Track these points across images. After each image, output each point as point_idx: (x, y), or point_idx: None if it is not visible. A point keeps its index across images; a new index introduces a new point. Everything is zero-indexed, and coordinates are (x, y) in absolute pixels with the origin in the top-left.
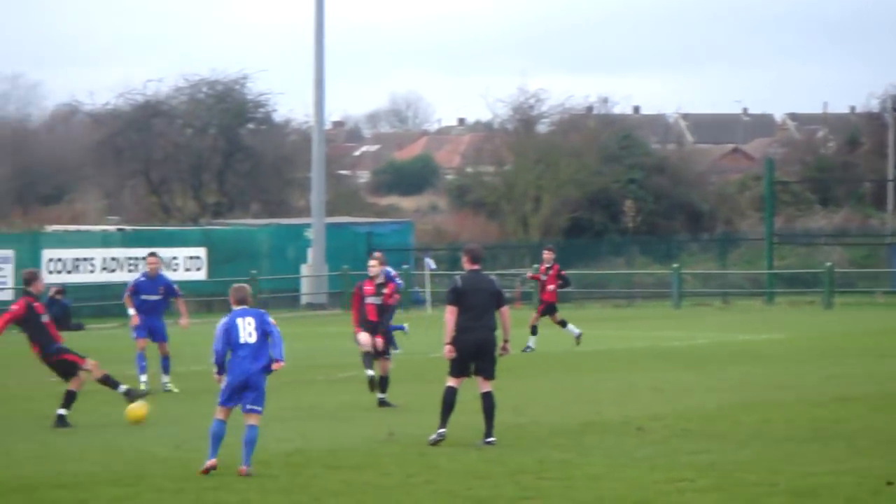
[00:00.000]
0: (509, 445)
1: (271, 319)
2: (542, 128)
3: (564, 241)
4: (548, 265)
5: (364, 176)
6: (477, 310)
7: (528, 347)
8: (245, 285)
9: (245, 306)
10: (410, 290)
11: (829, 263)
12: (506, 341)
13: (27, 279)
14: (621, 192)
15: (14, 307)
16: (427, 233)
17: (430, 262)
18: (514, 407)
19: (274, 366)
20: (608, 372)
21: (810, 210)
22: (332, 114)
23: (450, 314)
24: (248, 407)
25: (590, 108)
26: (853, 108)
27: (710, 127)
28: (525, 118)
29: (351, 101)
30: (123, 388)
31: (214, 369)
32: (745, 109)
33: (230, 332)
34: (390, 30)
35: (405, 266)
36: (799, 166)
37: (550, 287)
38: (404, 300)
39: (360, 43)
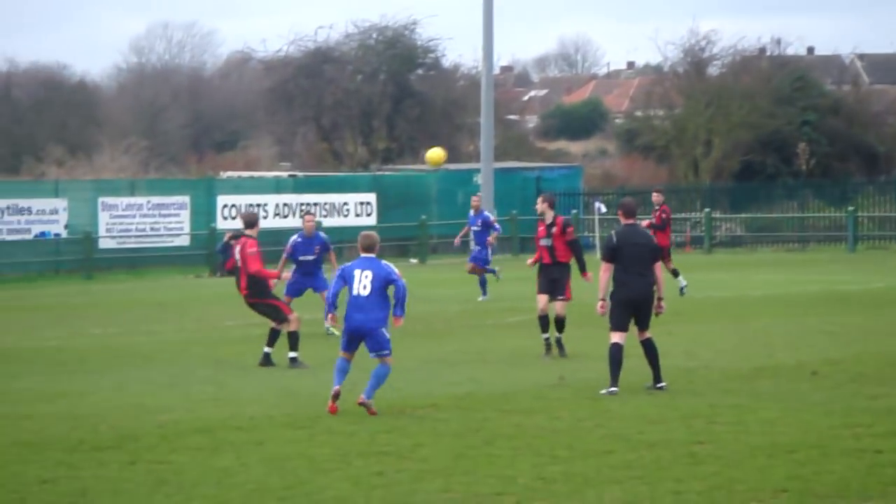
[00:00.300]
0: (681, 390)
1: (397, 272)
2: (714, 70)
3: (736, 185)
4: (657, 208)
5: (532, 121)
6: (634, 264)
7: (682, 288)
8: (373, 233)
9: (371, 255)
10: (580, 236)
11: None
12: (660, 299)
13: (251, 222)
14: (794, 134)
15: (253, 250)
16: (596, 177)
17: (601, 206)
18: (685, 351)
19: (395, 322)
20: (781, 316)
21: None
22: (501, 58)
23: (604, 271)
24: (372, 354)
25: (762, 50)
26: None
27: (887, 67)
28: (696, 60)
29: (520, 46)
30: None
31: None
32: None
33: (346, 279)
34: None
35: (574, 211)
36: None
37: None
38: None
39: None
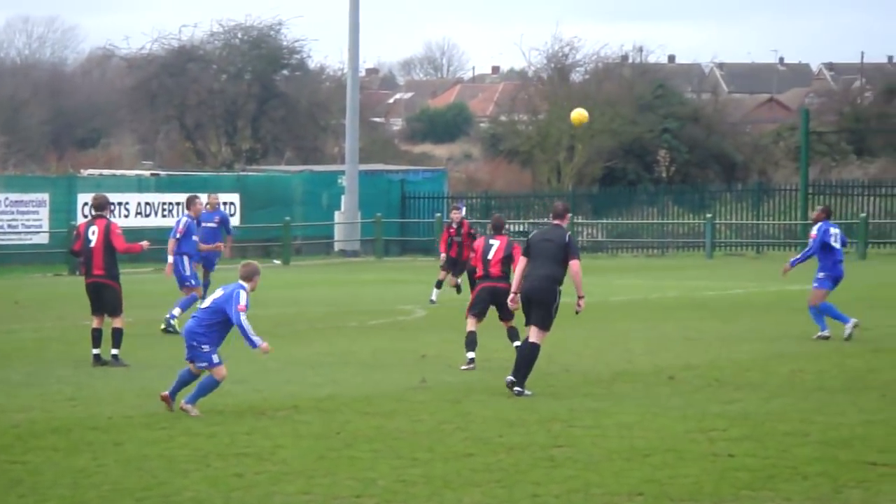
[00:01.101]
0: (541, 394)
1: (239, 306)
2: (577, 76)
3: (598, 191)
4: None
5: (398, 123)
6: (539, 259)
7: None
8: (252, 264)
9: (242, 282)
10: None
11: (863, 214)
12: (579, 297)
13: (102, 204)
14: (655, 141)
15: (119, 230)
16: (460, 181)
17: (462, 210)
18: (545, 355)
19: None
20: (641, 321)
21: (845, 161)
22: (367, 61)
23: (518, 266)
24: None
25: (625, 57)
26: (890, 58)
27: (745, 76)
28: (559, 67)
29: (385, 49)
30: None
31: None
32: (781, 59)
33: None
34: None
35: (438, 214)
36: (835, 117)
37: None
38: (432, 249)
39: None
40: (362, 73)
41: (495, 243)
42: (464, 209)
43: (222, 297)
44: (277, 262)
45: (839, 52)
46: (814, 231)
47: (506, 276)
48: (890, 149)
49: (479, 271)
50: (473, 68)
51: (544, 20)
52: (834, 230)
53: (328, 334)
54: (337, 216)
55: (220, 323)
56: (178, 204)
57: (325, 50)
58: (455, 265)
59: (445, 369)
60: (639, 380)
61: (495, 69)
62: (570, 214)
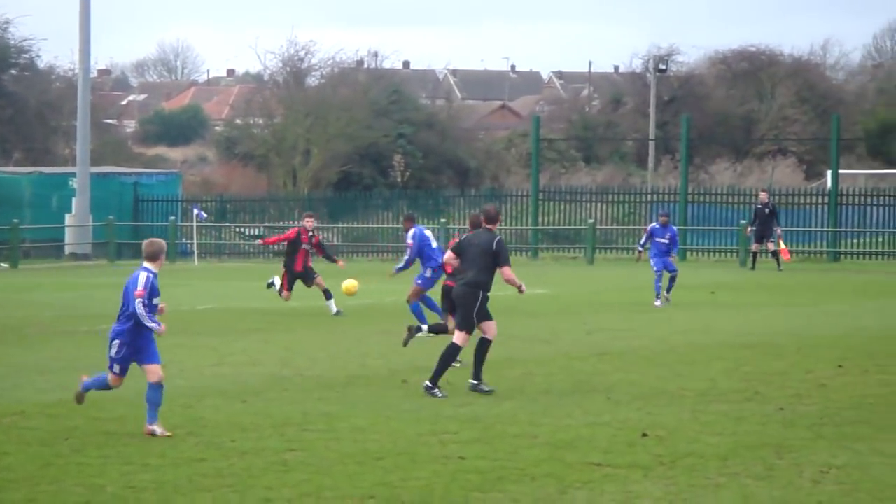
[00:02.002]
0: (275, 398)
1: (138, 290)
2: (313, 81)
3: (334, 194)
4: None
5: (131, 126)
6: (466, 263)
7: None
8: (157, 240)
9: (147, 263)
10: (177, 242)
11: (591, 220)
12: (520, 288)
13: None
14: (391, 146)
15: None
16: (195, 184)
17: (201, 213)
18: (280, 359)
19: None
20: (375, 325)
21: (574, 167)
22: (99, 62)
23: (450, 259)
24: None
25: (360, 62)
26: (617, 68)
27: (478, 83)
28: (295, 71)
29: (118, 50)
30: None
31: None
32: (512, 67)
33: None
34: None
35: (172, 217)
36: (564, 124)
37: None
38: (171, 252)
39: None
40: (94, 74)
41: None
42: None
43: (126, 285)
44: (5, 265)
45: (568, 61)
46: (409, 239)
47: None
48: (616, 156)
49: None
50: (208, 71)
51: (280, 24)
52: (428, 232)
53: (58, 339)
54: (68, 219)
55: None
56: None
57: (56, 50)
58: (305, 275)
59: (178, 374)
60: (373, 384)
61: (231, 72)
62: (501, 218)
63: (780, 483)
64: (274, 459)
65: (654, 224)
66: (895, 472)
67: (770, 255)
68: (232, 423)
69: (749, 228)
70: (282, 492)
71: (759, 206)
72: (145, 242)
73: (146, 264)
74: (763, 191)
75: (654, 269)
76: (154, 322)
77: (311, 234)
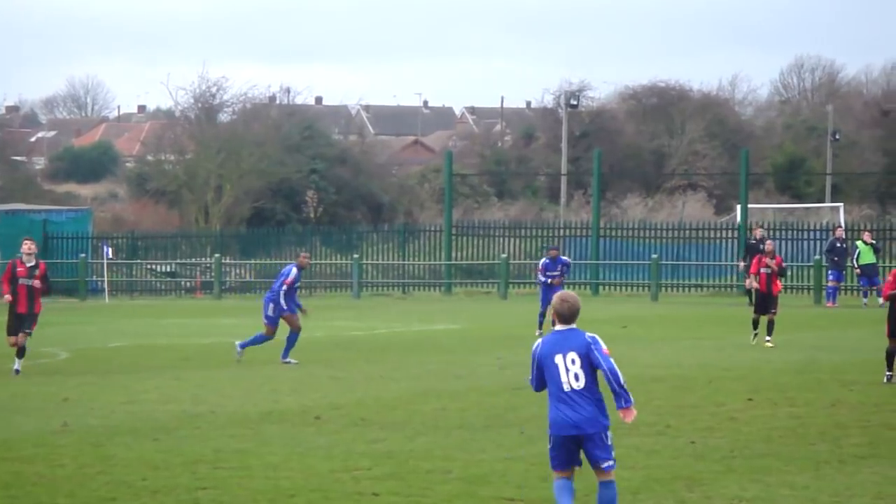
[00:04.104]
0: (187, 436)
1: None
2: (225, 117)
3: (246, 231)
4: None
5: (40, 162)
6: None
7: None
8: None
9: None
10: (88, 280)
11: (504, 255)
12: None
13: None
14: (303, 182)
15: None
16: (106, 221)
17: (108, 251)
18: (192, 396)
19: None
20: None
21: (487, 202)
22: (7, 98)
23: None
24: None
25: (272, 98)
26: (529, 104)
27: (391, 119)
28: (206, 107)
29: (27, 86)
30: None
31: None
32: (425, 102)
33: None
34: (69, 13)
35: (83, 255)
36: (477, 159)
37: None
38: (81, 289)
39: (37, 26)
40: (2, 111)
41: None
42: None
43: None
44: None
45: (481, 97)
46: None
47: None
48: (529, 191)
49: None
50: (119, 107)
51: (191, 60)
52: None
53: None
54: None
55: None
56: None
57: None
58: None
59: (88, 412)
60: (286, 420)
61: (141, 108)
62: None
63: None
64: (185, 498)
65: (544, 259)
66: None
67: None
68: (143, 460)
69: (741, 264)
70: None
71: (754, 241)
72: None
73: None
74: (759, 226)
75: (542, 304)
76: None
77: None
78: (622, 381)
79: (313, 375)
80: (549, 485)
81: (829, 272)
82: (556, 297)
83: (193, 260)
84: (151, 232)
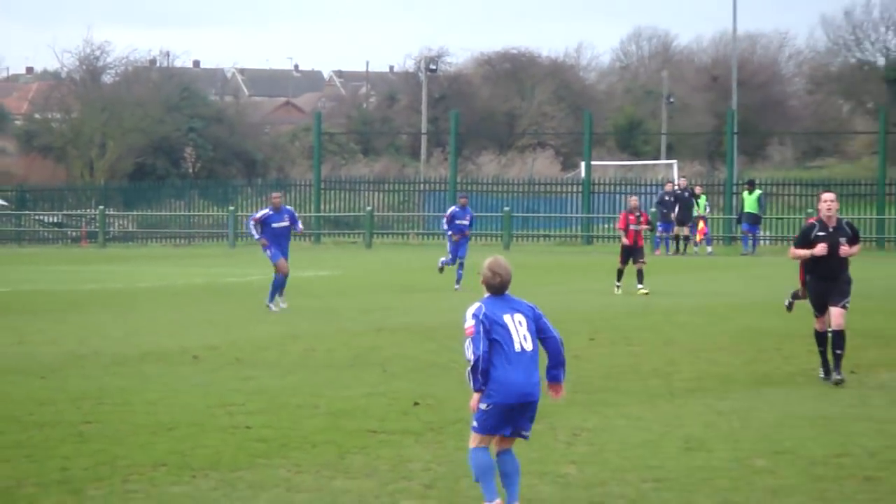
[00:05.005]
0: (72, 374)
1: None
2: (108, 78)
3: (129, 184)
4: None
5: None
6: None
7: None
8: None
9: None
10: None
11: (369, 207)
12: None
13: None
14: (182, 140)
15: None
16: None
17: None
18: (78, 339)
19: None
20: (167, 306)
21: (354, 159)
22: None
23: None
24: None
25: (153, 62)
26: (392, 68)
27: (264, 81)
28: (91, 69)
29: None
30: None
31: None
32: (296, 66)
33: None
34: None
35: None
36: (344, 119)
37: None
38: None
39: None
40: None
41: None
42: None
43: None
44: None
45: (347, 61)
46: None
47: None
48: (392, 149)
49: None
50: (8, 68)
51: (77, 23)
52: None
53: None
54: None
55: None
56: None
57: None
58: None
59: None
60: (165, 360)
61: (30, 69)
62: None
63: (536, 445)
64: (71, 431)
65: (454, 208)
66: (638, 432)
67: (683, 238)
68: (31, 397)
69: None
70: (78, 461)
71: (680, 191)
72: None
73: None
74: (683, 177)
75: (451, 253)
76: None
77: None
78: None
79: (191, 318)
80: (409, 418)
81: (658, 223)
82: (486, 270)
83: (79, 211)
84: (39, 185)
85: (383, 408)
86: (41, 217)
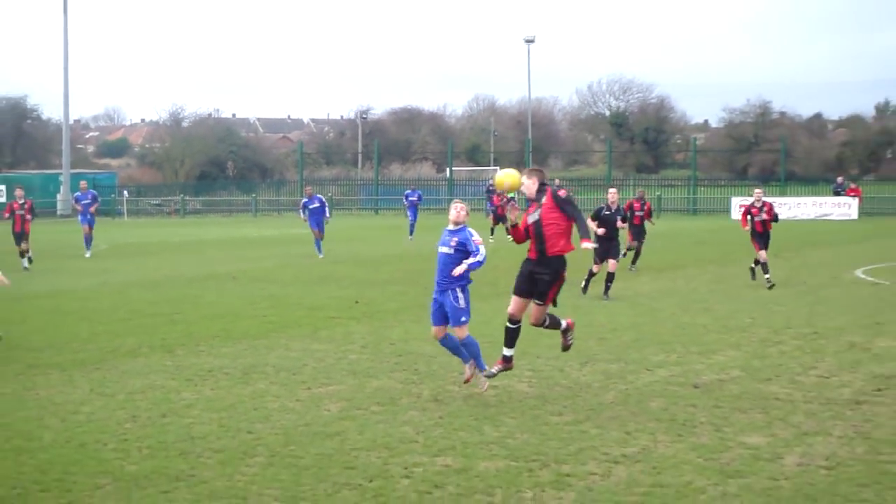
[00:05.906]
0: (166, 287)
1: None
2: (185, 123)
3: (197, 182)
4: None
5: None
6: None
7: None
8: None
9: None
10: None
11: (329, 194)
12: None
13: None
14: (226, 157)
15: None
16: None
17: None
18: (170, 266)
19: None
20: (218, 249)
21: (321, 167)
22: None
23: None
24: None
25: (209, 115)
26: (342, 116)
27: (271, 124)
28: (175, 118)
29: None
30: None
31: None
32: (288, 115)
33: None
34: None
35: None
36: (316, 146)
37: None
38: None
39: None
40: None
41: None
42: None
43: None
44: None
45: (317, 110)
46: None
47: None
48: (342, 161)
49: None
50: (130, 119)
51: (166, 85)
52: None
53: None
54: None
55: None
56: None
57: None
58: None
59: None
60: (216, 279)
61: (143, 119)
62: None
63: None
64: (166, 319)
65: (409, 191)
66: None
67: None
68: (143, 299)
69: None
70: (171, 336)
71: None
72: None
73: None
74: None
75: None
76: None
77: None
78: None
79: (231, 255)
80: (353, 309)
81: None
82: (462, 210)
83: (170, 198)
84: (148, 184)
85: (338, 303)
86: (149, 201)
